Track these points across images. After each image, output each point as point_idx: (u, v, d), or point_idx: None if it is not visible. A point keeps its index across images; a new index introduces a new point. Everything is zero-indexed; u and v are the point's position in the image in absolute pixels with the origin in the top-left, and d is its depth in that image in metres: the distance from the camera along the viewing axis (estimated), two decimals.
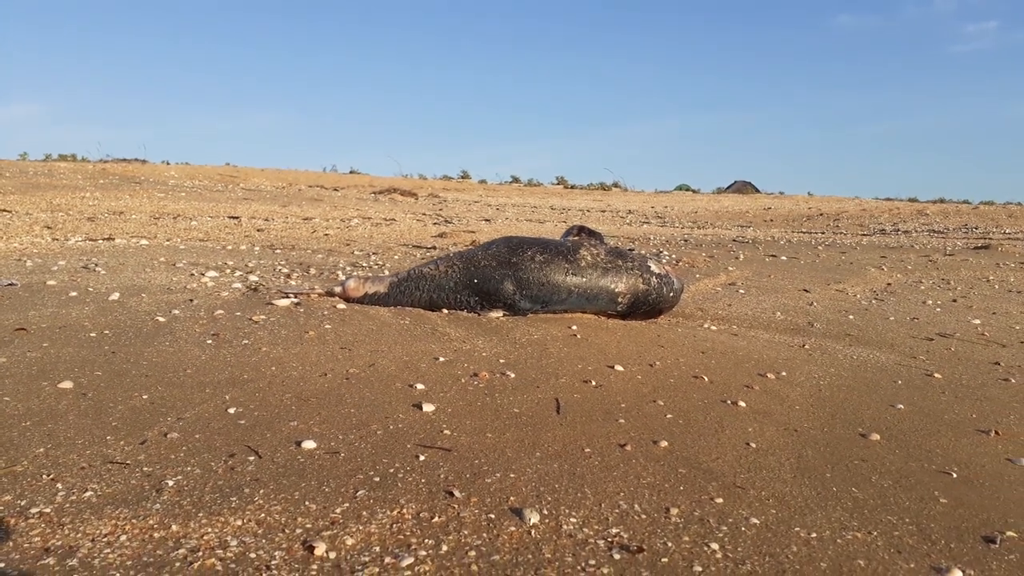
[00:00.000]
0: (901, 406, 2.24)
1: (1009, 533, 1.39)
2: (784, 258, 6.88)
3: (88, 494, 1.34)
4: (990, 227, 11.52)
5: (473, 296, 3.25)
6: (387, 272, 4.75)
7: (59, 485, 1.37)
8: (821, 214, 14.91)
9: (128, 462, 1.50)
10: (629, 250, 3.68)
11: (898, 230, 11.36)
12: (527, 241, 3.35)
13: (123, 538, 1.20)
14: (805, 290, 4.93)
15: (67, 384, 1.97)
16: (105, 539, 1.20)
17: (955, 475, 1.69)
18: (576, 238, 3.48)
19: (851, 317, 3.91)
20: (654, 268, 3.42)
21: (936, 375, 2.67)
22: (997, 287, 5.40)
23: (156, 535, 1.22)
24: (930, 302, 4.59)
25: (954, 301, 4.67)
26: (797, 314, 3.94)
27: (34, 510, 1.28)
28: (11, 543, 1.17)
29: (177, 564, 1.14)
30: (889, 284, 5.43)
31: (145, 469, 1.47)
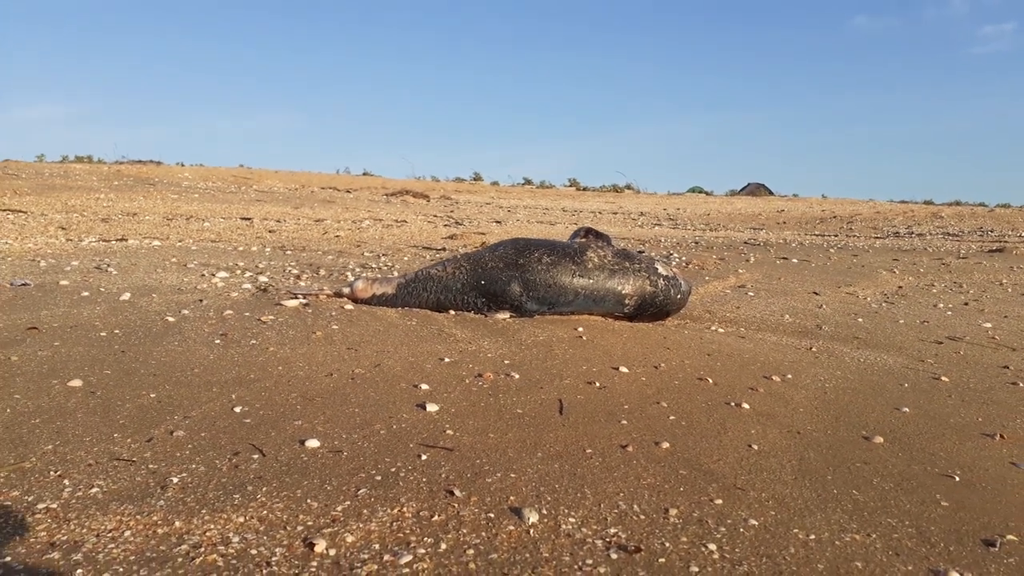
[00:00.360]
0: (906, 409, 2.23)
1: (1009, 537, 1.39)
2: (795, 261, 6.84)
3: (94, 490, 1.37)
4: (1006, 230, 11.40)
5: (480, 297, 3.26)
6: (396, 273, 4.77)
7: (66, 481, 1.40)
8: (834, 216, 14.81)
9: (134, 459, 1.52)
10: (638, 252, 3.69)
11: (912, 233, 11.26)
12: (534, 243, 3.37)
13: (127, 533, 1.22)
14: (815, 293, 4.91)
15: (76, 382, 2.00)
16: (110, 534, 1.22)
17: (958, 478, 1.68)
18: (583, 240, 3.48)
19: (860, 320, 3.88)
20: (661, 270, 3.42)
21: (943, 378, 2.66)
22: (1010, 290, 5.35)
23: (160, 531, 1.24)
24: (941, 305, 4.55)
25: (965, 304, 4.63)
26: (806, 317, 3.92)
27: (41, 506, 1.30)
28: (18, 537, 1.20)
29: (179, 560, 1.16)
30: (900, 287, 5.40)
31: (151, 466, 1.49)
